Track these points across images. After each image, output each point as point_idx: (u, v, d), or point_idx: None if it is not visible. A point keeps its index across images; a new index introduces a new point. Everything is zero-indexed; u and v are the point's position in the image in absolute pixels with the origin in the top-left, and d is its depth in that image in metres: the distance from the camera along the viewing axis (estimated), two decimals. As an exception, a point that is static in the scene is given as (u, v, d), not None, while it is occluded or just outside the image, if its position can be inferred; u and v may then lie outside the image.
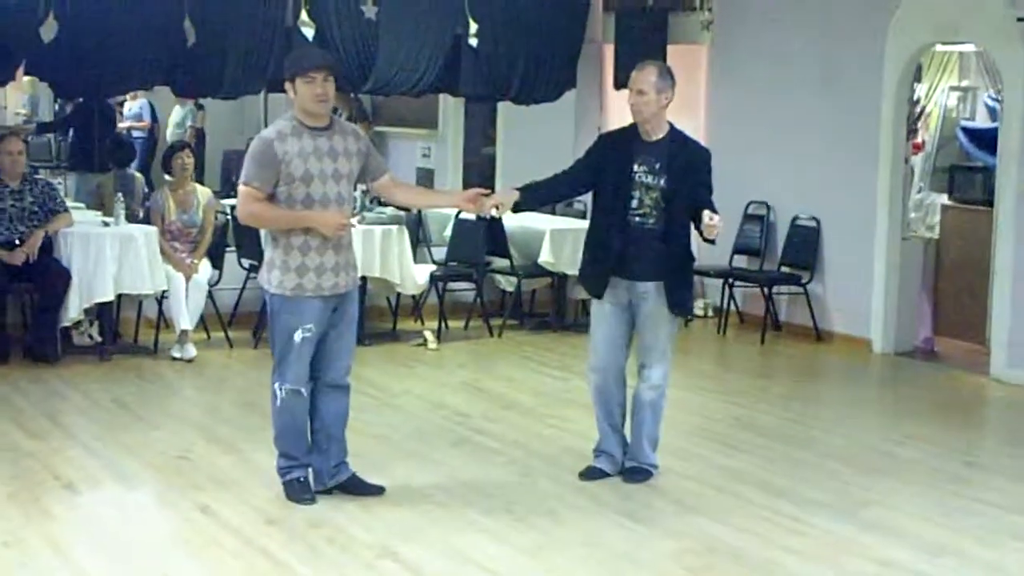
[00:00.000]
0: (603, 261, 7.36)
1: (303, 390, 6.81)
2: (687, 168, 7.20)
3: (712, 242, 7.25)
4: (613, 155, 7.34)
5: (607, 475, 7.49)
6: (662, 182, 7.17)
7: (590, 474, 7.50)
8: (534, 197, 7.47)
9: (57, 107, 19.16)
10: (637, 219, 7.23)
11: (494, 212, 7.36)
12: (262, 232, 10.08)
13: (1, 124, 18.27)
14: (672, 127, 7.31)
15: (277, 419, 6.89)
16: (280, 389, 6.79)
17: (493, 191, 14.71)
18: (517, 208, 7.36)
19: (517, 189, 7.37)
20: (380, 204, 11.28)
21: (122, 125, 18.08)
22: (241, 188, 6.72)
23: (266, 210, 6.69)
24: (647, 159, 7.21)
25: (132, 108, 18.27)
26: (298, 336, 6.70)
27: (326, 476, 6.99)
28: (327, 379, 6.91)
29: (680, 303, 7.33)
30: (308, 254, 6.68)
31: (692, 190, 7.18)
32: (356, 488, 7.03)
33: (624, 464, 7.50)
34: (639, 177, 7.20)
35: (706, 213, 6.99)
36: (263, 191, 6.63)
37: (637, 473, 7.44)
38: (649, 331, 7.35)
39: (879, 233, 11.54)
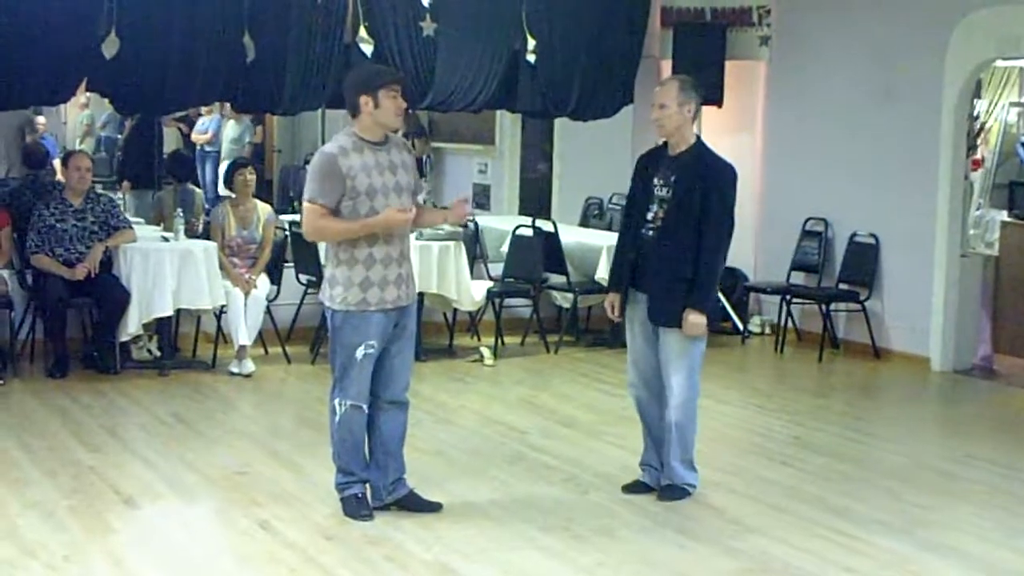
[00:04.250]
0: (619, 275, 7.49)
1: (364, 406, 6.84)
2: (696, 182, 7.14)
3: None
4: (643, 172, 7.43)
5: (650, 488, 7.50)
6: (670, 194, 7.19)
7: (633, 488, 7.54)
8: (625, 276, 7.47)
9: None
10: (651, 232, 7.26)
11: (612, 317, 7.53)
12: (321, 249, 10.15)
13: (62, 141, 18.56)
14: (698, 141, 7.31)
15: (336, 435, 6.91)
16: (340, 405, 6.81)
17: (549, 207, 14.86)
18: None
19: (616, 291, 7.49)
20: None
21: (195, 138, 18.37)
22: (306, 206, 6.75)
23: (332, 223, 6.70)
24: (665, 172, 7.25)
25: (204, 123, 18.43)
26: (360, 352, 6.73)
27: (384, 492, 7.01)
28: (387, 396, 6.93)
29: (657, 312, 7.20)
30: (372, 268, 6.72)
31: (699, 204, 7.12)
32: (414, 504, 7.04)
33: (660, 481, 7.50)
34: (656, 190, 7.26)
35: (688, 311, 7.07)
36: (328, 207, 6.67)
37: (671, 491, 7.42)
38: (662, 346, 7.32)
39: (938, 250, 11.46)
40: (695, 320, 7.10)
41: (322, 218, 6.70)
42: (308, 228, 6.85)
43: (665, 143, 7.35)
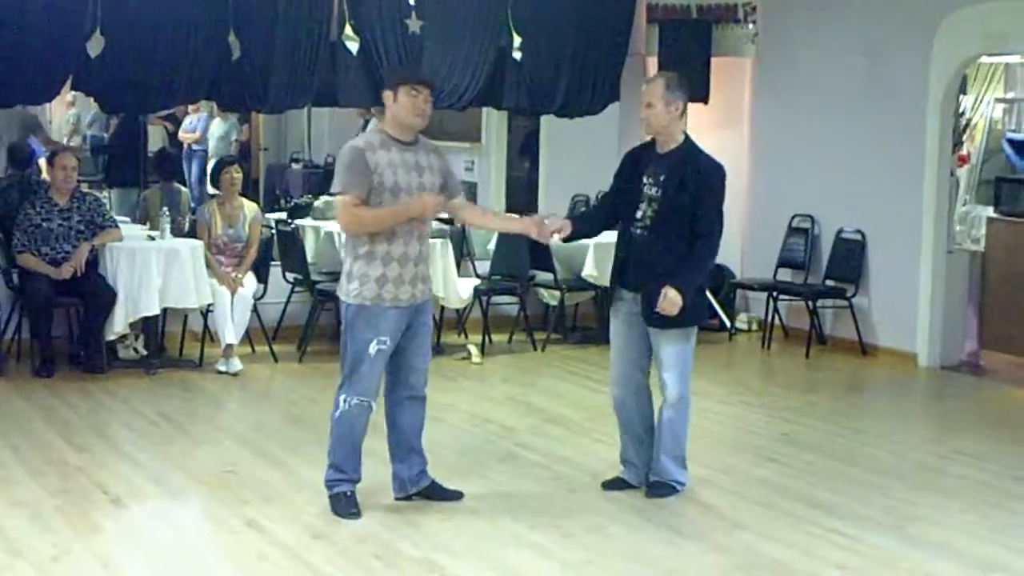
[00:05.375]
0: (611, 273, 7.49)
1: (372, 403, 6.87)
2: (686, 180, 7.12)
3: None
4: (631, 169, 7.41)
5: (630, 485, 7.51)
6: (659, 193, 7.17)
7: (612, 484, 7.55)
8: (584, 224, 7.65)
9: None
10: (639, 230, 7.24)
11: (556, 238, 7.43)
12: (309, 248, 10.18)
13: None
14: (687, 139, 7.29)
15: (335, 430, 6.92)
16: (345, 401, 6.83)
17: (536, 204, 14.83)
18: (569, 238, 7.47)
19: (569, 219, 7.60)
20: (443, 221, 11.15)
21: (182, 136, 18.34)
22: (339, 199, 6.78)
23: (366, 212, 6.71)
24: (654, 171, 7.23)
25: (192, 121, 18.38)
26: (373, 348, 6.75)
27: (409, 484, 7.12)
28: (407, 391, 7.01)
29: (652, 313, 7.15)
30: (389, 265, 6.75)
31: (690, 203, 7.11)
32: (436, 494, 7.17)
33: (648, 478, 7.49)
34: (646, 189, 7.23)
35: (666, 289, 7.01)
36: (360, 196, 6.68)
37: (659, 488, 7.42)
38: (656, 346, 7.31)
39: (925, 246, 11.47)
40: (672, 297, 7.01)
41: (356, 207, 6.71)
42: (344, 220, 6.85)
43: (653, 140, 7.33)
